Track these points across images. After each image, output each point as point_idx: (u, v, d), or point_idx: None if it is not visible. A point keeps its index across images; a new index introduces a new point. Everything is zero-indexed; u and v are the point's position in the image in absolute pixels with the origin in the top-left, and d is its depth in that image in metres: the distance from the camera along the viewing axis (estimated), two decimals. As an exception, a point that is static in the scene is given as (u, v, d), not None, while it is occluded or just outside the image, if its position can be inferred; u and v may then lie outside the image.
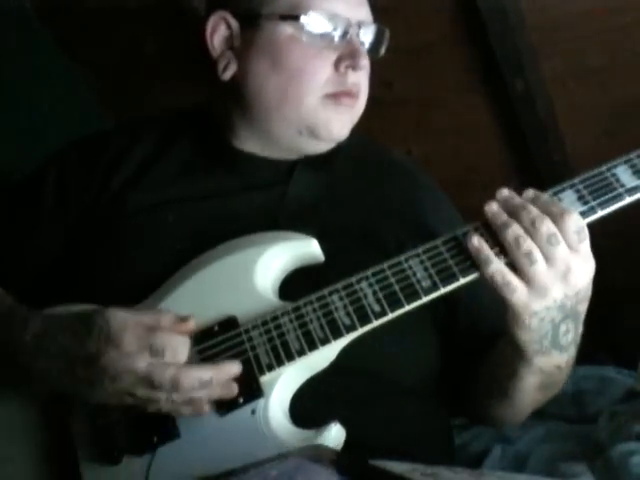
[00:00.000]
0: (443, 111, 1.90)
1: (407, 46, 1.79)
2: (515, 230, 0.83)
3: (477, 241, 0.85)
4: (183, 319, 0.83)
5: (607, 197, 0.89)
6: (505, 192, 0.88)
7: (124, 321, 0.80)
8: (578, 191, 0.89)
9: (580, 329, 0.92)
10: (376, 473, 0.68)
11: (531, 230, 0.83)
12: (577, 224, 0.84)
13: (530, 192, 0.88)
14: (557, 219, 0.83)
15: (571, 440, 1.20)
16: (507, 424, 1.10)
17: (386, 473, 0.67)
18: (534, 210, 0.84)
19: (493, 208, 0.86)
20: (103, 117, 2.18)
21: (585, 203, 0.88)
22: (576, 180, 0.91)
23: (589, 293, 0.89)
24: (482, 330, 1.04)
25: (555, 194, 0.90)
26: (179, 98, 1.17)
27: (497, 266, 0.84)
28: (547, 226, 0.83)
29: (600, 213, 0.89)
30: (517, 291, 0.84)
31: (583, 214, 0.87)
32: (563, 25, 1.66)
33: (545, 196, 0.88)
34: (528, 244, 0.83)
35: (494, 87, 1.80)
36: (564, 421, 1.31)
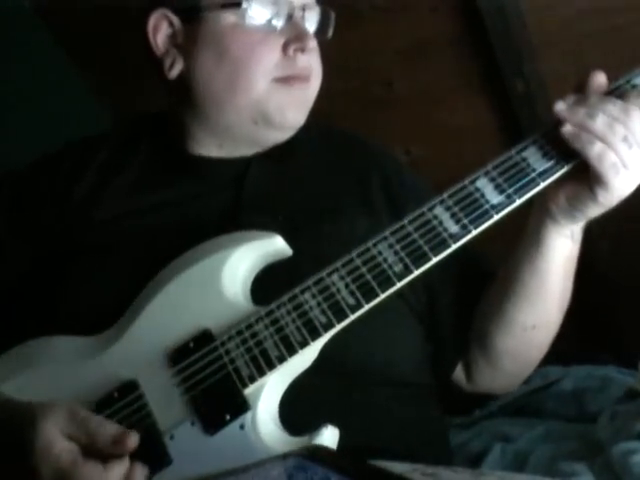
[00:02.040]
0: (443, 111, 1.90)
1: (407, 46, 1.79)
2: (605, 118, 0.83)
3: (571, 128, 0.84)
4: (125, 436, 0.75)
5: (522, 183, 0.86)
6: (570, 98, 0.87)
7: (47, 451, 0.72)
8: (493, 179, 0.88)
9: None
10: (376, 473, 0.67)
11: (622, 117, 0.83)
12: None
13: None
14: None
15: (571, 439, 1.20)
16: (543, 330, 1.03)
17: (386, 473, 0.67)
18: (617, 100, 0.84)
19: (563, 107, 0.85)
20: (103, 117, 2.18)
21: (502, 191, 0.86)
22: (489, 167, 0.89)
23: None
24: (480, 266, 1.05)
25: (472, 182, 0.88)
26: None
27: (601, 146, 0.83)
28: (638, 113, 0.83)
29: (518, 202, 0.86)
30: (620, 173, 0.83)
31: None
32: (563, 25, 1.66)
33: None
34: (622, 129, 0.83)
35: (494, 87, 1.80)
36: (564, 420, 1.31)
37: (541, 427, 1.27)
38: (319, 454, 0.74)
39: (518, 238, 0.98)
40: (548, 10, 1.65)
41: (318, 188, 1.05)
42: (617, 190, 0.85)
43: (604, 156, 0.83)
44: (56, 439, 0.74)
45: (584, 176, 0.87)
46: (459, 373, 1.09)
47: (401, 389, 0.98)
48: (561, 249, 0.94)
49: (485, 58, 1.74)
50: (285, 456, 0.77)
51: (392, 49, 1.81)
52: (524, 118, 1.82)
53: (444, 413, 1.11)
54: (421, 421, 1.00)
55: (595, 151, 0.83)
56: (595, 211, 0.90)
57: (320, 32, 1.05)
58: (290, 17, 0.98)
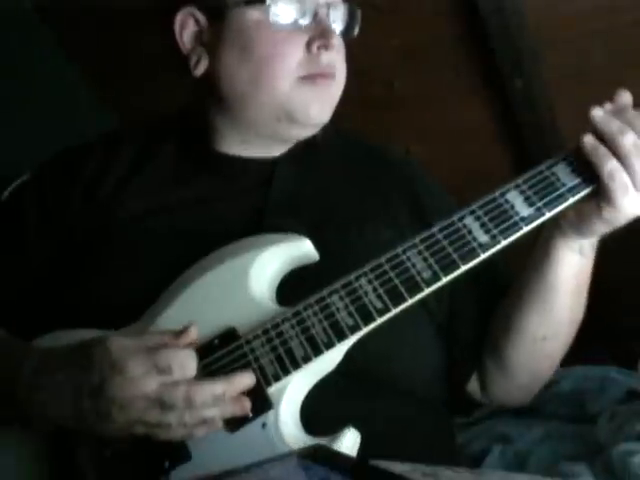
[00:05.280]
0: (443, 111, 1.90)
1: (407, 46, 1.79)
2: (635, 137, 0.83)
3: (592, 139, 0.84)
4: (183, 331, 0.81)
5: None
6: (607, 106, 0.87)
7: (124, 346, 0.77)
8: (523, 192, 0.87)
9: None
10: (376, 473, 0.68)
11: None
12: None
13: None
14: None
15: (571, 440, 1.20)
16: (552, 351, 1.03)
17: (386, 473, 0.67)
18: None
19: (600, 113, 0.85)
20: (103, 117, 2.18)
21: (531, 204, 0.86)
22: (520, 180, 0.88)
23: None
24: (497, 279, 1.04)
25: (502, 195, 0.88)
26: (179, 98, 1.16)
27: (616, 164, 0.83)
28: None
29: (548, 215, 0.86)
30: (629, 194, 0.84)
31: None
32: (563, 25, 1.66)
33: None
34: None
35: (494, 87, 1.81)
36: (564, 421, 1.31)
37: (541, 428, 1.27)
38: (319, 454, 0.74)
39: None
40: (548, 10, 1.65)
41: (342, 194, 1.05)
42: (623, 210, 0.86)
43: (616, 174, 0.83)
44: (128, 340, 0.78)
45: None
46: (474, 384, 1.09)
47: (419, 398, 0.98)
48: (570, 263, 0.95)
49: (485, 58, 1.74)
50: (286, 456, 0.77)
51: (392, 49, 1.81)
52: (524, 118, 1.83)
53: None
54: (436, 430, 1.00)
55: (608, 167, 0.84)
56: (602, 228, 0.90)
57: (346, 31, 1.05)
58: (315, 15, 0.98)
